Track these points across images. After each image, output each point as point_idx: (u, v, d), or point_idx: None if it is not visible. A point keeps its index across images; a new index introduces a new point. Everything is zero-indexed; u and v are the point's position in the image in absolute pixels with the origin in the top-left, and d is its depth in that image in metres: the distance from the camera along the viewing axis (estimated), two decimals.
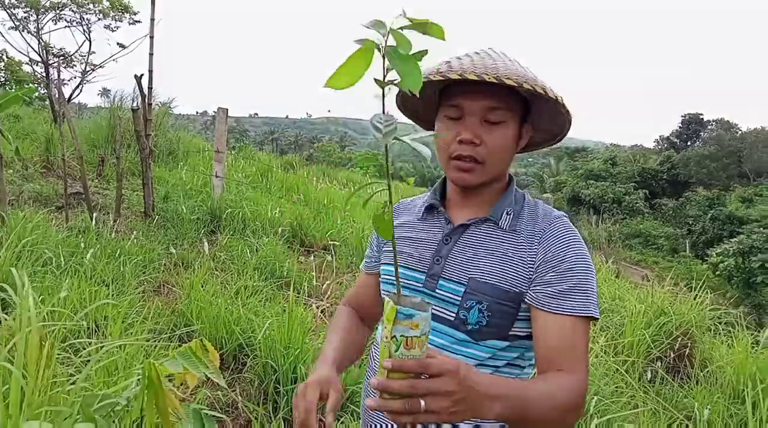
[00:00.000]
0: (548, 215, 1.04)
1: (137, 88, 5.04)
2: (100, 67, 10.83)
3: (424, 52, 0.63)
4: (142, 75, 5.02)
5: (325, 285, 3.94)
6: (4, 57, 12.00)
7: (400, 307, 0.69)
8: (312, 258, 4.59)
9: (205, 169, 6.95)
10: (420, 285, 1.06)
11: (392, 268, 1.12)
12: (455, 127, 1.01)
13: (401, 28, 0.61)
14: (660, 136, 49.82)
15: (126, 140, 6.49)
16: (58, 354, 2.05)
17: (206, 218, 5.12)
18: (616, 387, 2.88)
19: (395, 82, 0.63)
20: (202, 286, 3.30)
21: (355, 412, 2.41)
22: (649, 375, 3.18)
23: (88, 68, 10.78)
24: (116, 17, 10.49)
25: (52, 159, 6.35)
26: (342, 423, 2.37)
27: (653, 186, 36.61)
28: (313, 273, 4.15)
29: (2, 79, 12.71)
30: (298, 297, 3.08)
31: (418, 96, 0.64)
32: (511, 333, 1.00)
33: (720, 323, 4.01)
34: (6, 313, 2.14)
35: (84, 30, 10.48)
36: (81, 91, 11.01)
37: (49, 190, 5.33)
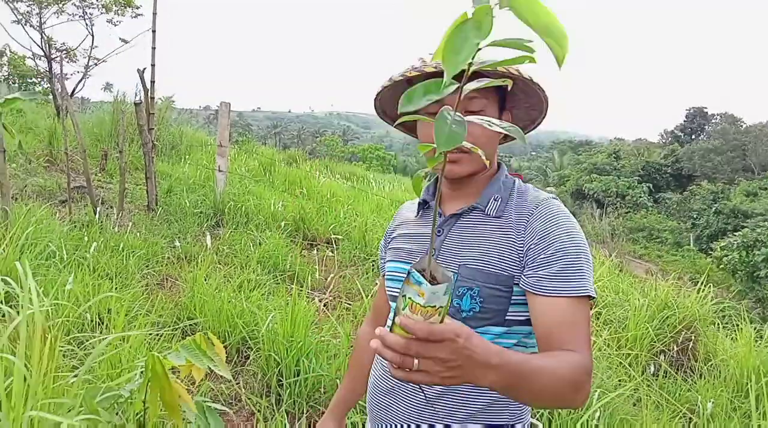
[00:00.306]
0: (536, 198, 1.04)
1: (140, 82, 5.04)
2: (103, 61, 10.84)
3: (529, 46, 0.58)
4: (144, 69, 5.02)
5: (328, 279, 3.95)
6: (8, 52, 12.01)
7: (413, 270, 0.69)
8: (315, 252, 4.59)
9: (208, 163, 6.94)
10: None
11: (395, 265, 1.15)
12: None
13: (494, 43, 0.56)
14: (664, 130, 49.64)
15: (129, 134, 6.50)
16: (62, 347, 2.05)
17: (209, 212, 5.13)
18: (620, 380, 2.88)
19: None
20: (206, 280, 3.31)
21: (359, 406, 2.41)
22: (652, 369, 3.18)
23: (90, 62, 10.79)
24: (119, 11, 10.48)
25: (55, 153, 6.36)
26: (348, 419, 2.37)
27: (657, 180, 36.50)
28: (316, 267, 4.15)
29: (6, 74, 12.73)
30: (301, 290, 3.08)
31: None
32: (507, 318, 1.00)
33: (724, 317, 4.00)
34: (10, 306, 2.15)
35: (86, 24, 10.47)
36: (84, 85, 11.04)
37: (53, 184, 5.34)
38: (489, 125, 0.69)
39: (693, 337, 3.50)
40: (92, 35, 10.64)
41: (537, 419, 2.33)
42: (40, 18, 9.85)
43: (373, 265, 4.37)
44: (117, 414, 1.32)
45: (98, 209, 4.28)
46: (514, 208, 1.04)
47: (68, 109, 5.03)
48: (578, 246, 0.97)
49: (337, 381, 2.53)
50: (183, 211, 4.99)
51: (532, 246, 0.97)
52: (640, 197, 32.58)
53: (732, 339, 3.61)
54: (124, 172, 4.81)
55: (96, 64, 10.86)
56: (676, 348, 3.44)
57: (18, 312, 1.69)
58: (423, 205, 1.16)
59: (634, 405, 2.79)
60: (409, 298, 0.69)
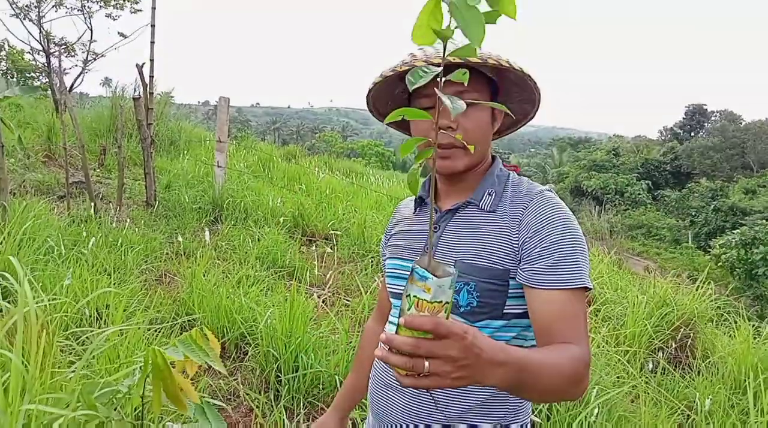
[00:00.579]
0: (531, 191, 1.04)
1: (139, 77, 5.03)
2: (102, 56, 10.81)
3: (497, 13, 0.62)
4: (143, 64, 5.00)
5: (327, 275, 3.95)
6: (6, 46, 11.96)
7: (416, 267, 0.68)
8: (314, 248, 4.59)
9: (207, 158, 6.93)
10: None
11: (395, 262, 1.15)
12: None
13: None
14: (664, 127, 49.65)
15: (128, 130, 6.49)
16: (60, 342, 2.05)
17: (208, 208, 5.12)
18: (618, 377, 2.88)
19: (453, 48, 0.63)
20: (204, 275, 3.31)
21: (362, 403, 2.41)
22: (650, 366, 3.18)
23: (89, 57, 10.76)
24: (117, 5, 10.44)
25: (54, 148, 6.35)
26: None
27: (656, 177, 36.52)
28: (315, 263, 4.15)
29: (4, 69, 12.69)
30: (299, 286, 3.08)
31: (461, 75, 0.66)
32: (505, 311, 1.00)
33: (722, 314, 4.00)
34: (8, 302, 2.14)
35: (85, 18, 10.43)
36: (82, 80, 11.00)
37: (51, 179, 5.32)
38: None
39: (691, 334, 3.50)
40: (91, 30, 10.62)
41: (535, 415, 2.33)
42: (39, 12, 9.81)
43: (372, 261, 4.37)
44: (115, 409, 1.32)
45: (97, 204, 4.27)
46: (508, 201, 1.03)
47: (67, 104, 5.01)
48: (573, 238, 0.96)
49: (336, 377, 2.53)
50: (182, 206, 4.98)
51: (527, 240, 0.97)
52: (639, 194, 32.59)
53: (730, 336, 3.61)
54: (123, 167, 4.80)
55: (95, 59, 10.85)
56: (674, 345, 3.45)
57: (15, 307, 1.68)
58: (420, 202, 1.16)
59: (633, 401, 2.80)
60: (414, 297, 0.68)
